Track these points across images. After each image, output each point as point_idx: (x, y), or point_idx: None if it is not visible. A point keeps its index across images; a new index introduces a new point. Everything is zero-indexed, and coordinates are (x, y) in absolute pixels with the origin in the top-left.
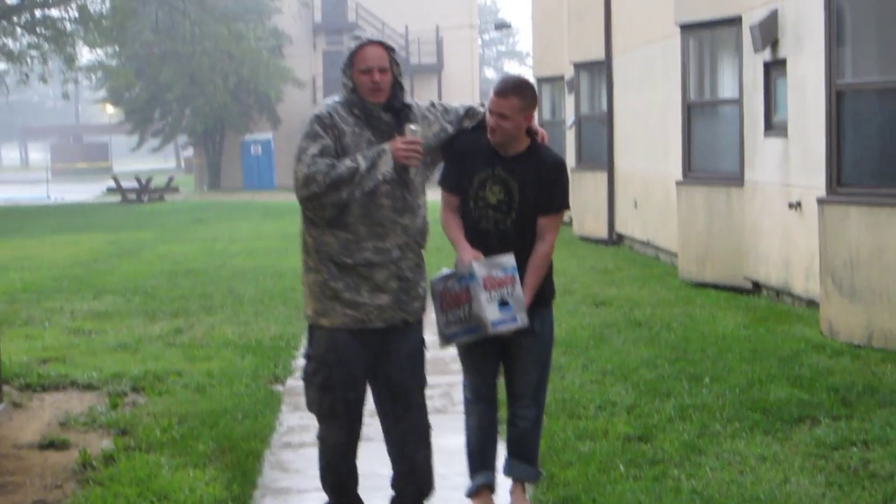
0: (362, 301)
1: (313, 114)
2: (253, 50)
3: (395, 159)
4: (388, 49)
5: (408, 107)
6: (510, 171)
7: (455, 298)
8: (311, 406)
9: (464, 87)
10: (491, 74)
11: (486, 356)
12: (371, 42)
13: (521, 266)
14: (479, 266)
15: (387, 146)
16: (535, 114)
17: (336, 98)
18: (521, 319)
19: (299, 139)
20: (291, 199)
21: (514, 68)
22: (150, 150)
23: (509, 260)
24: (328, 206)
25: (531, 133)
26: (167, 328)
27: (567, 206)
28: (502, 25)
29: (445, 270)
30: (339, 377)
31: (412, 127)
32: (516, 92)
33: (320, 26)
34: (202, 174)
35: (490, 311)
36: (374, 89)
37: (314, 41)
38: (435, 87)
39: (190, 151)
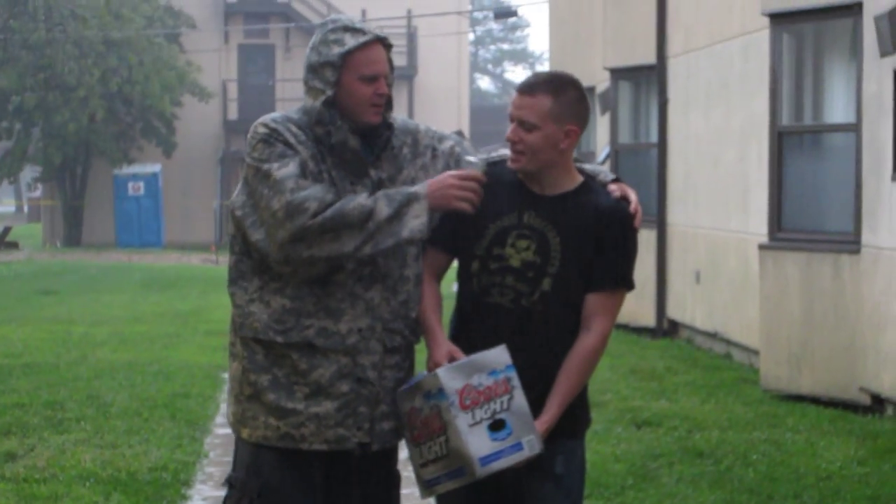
0: (292, 407)
1: (260, 124)
2: (141, 39)
3: (434, 207)
4: (388, 48)
5: (389, 128)
6: (549, 218)
7: (426, 425)
8: None
9: (446, 102)
10: (486, 84)
11: None
12: (378, 39)
13: (548, 370)
14: (450, 375)
15: (421, 189)
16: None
17: (284, 114)
18: (530, 445)
19: (250, 162)
20: (185, 262)
21: (520, 75)
22: None
23: (499, 356)
24: (319, 261)
25: (586, 175)
26: None
27: (631, 284)
28: (506, 14)
29: (417, 376)
30: None
31: (471, 158)
32: (549, 87)
33: (234, 7)
34: (54, 223)
35: (476, 443)
36: (379, 105)
37: (226, 31)
38: (404, 100)
39: (38, 191)
